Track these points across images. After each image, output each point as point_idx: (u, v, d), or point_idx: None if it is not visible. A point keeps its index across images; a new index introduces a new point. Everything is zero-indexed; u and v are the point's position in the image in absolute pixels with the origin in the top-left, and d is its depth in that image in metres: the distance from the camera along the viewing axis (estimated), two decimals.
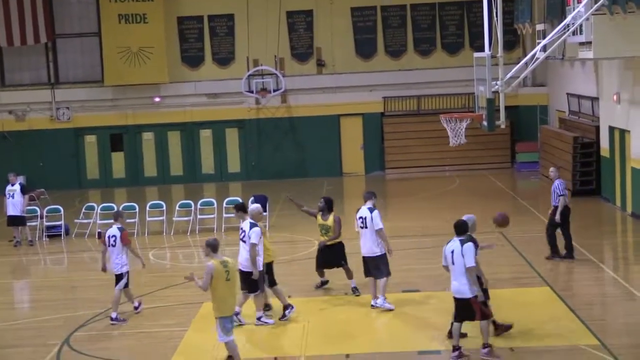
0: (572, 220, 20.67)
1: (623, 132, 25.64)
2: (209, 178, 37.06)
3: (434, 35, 36.96)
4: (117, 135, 37.63)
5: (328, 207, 18.11)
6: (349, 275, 18.00)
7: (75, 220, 26.48)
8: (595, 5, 20.33)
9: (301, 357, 14.25)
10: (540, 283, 18.14)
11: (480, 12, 21.37)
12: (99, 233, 25.70)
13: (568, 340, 14.60)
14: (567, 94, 32.03)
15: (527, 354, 13.97)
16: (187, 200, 27.31)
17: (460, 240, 14.08)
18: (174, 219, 26.15)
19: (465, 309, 13.98)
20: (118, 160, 37.76)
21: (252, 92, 35.80)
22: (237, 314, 15.33)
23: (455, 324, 14.08)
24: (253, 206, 16.69)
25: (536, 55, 21.05)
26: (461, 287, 13.92)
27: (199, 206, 26.33)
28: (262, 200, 26.09)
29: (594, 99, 28.61)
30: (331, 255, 18.12)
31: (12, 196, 25.15)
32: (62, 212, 26.68)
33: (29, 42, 36.40)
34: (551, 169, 21.88)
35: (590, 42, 21.91)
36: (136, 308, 17.35)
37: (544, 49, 20.86)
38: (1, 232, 26.41)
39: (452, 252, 14.08)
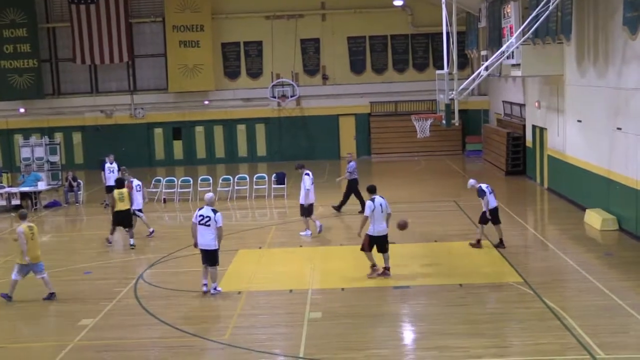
0: (505, 193, 20.73)
1: (542, 130, 25.67)
2: (243, 160, 37.09)
3: (407, 57, 36.86)
4: (177, 128, 37.61)
5: None
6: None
7: (147, 189, 26.52)
8: (523, 38, 20.38)
9: (309, 290, 14.36)
10: (482, 238, 18.20)
11: (441, 41, 21.35)
12: (164, 199, 25.86)
13: (500, 278, 14.74)
14: (503, 101, 32.02)
15: (472, 289, 14.09)
16: (227, 175, 27.40)
17: (381, 197, 15.13)
18: (218, 189, 26.26)
19: (386, 242, 15.15)
20: (177, 146, 37.76)
21: (275, 97, 35.81)
22: (204, 284, 14.44)
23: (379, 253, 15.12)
24: (208, 195, 15.01)
25: (480, 73, 21.09)
26: (385, 228, 15.05)
27: (236, 180, 26.44)
28: (281, 175, 26.28)
29: (522, 105, 28.62)
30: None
31: (113, 171, 25.13)
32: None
33: (115, 60, 36.38)
34: (347, 153, 23.20)
35: (519, 64, 21.98)
36: None
37: (487, 68, 20.90)
38: (95, 198, 26.53)
39: (381, 205, 14.98)
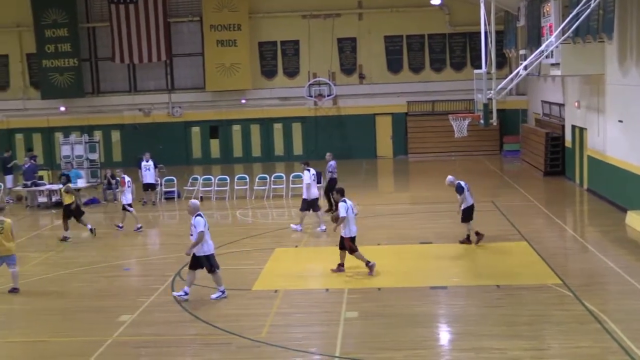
0: (543, 194, 20.55)
1: (582, 130, 25.32)
2: (280, 158, 37.17)
3: (445, 56, 36.64)
4: (214, 126, 37.82)
5: None
6: None
7: (184, 187, 26.78)
8: (563, 37, 20.11)
9: (345, 290, 14.33)
10: (520, 239, 18.06)
11: (479, 41, 21.18)
12: (201, 197, 26.04)
13: (539, 280, 14.57)
14: (542, 101, 31.67)
15: (509, 290, 13.94)
16: (264, 174, 27.46)
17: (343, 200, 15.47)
18: (255, 187, 26.37)
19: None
20: (215, 145, 37.98)
21: (311, 96, 35.83)
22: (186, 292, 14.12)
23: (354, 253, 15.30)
24: (190, 202, 14.60)
25: (519, 73, 20.88)
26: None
27: (272, 178, 26.51)
28: (318, 174, 26.21)
29: (561, 105, 28.27)
30: None
31: (148, 169, 25.45)
32: (175, 181, 27.00)
33: (154, 59, 36.72)
34: (327, 153, 23.31)
35: (558, 63, 21.70)
36: None
37: (525, 68, 20.67)
38: (135, 195, 26.73)
39: (351, 206, 15.42)
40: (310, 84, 35.91)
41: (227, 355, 11.25)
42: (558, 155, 28.12)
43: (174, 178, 27.07)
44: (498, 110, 21.09)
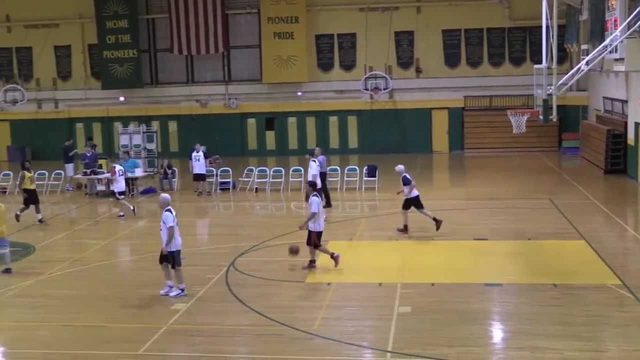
0: (603, 192, 20.12)
1: None
2: (335, 151, 37.18)
3: (504, 51, 36.14)
4: (270, 119, 38.04)
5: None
6: None
7: (240, 178, 27.00)
8: (629, 31, 19.61)
9: (398, 284, 14.27)
10: (578, 237, 17.71)
11: (540, 35, 20.82)
12: (256, 189, 26.22)
13: (597, 280, 14.27)
14: (603, 97, 30.98)
15: (566, 289, 13.67)
16: None
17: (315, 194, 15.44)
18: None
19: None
20: (270, 137, 38.20)
21: (367, 90, 35.76)
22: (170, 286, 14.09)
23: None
24: (160, 196, 14.35)
25: (581, 68, 20.45)
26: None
27: (327, 171, 26.49)
28: (373, 168, 26.20)
29: (624, 101, 27.61)
30: None
31: (198, 160, 25.80)
32: (231, 172, 27.24)
33: (211, 51, 37.10)
34: (317, 148, 23.29)
35: (623, 59, 21.16)
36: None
37: (587, 63, 20.23)
38: (189, 185, 27.13)
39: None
40: (366, 77, 35.83)
41: (279, 346, 11.31)
42: (619, 153, 27.49)
43: (229, 169, 27.32)
44: (558, 106, 20.66)
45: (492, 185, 26.10)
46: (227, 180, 26.90)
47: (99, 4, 37.48)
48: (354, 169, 26.63)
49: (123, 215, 22.15)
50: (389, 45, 36.45)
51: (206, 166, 26.10)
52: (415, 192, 18.59)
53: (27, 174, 21.62)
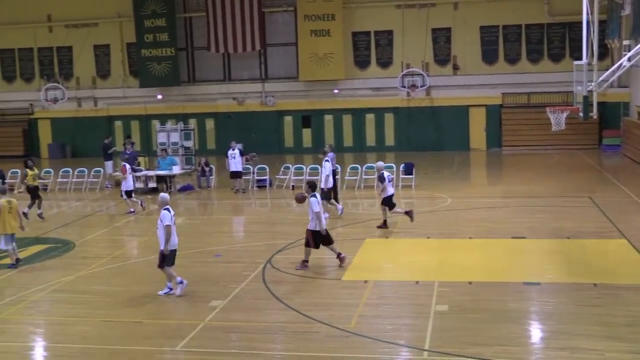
0: None
1: None
2: (371, 149, 37.14)
3: (542, 47, 35.73)
4: (307, 116, 38.10)
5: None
6: None
7: (276, 176, 27.07)
8: None
9: (435, 282, 14.18)
10: (619, 236, 17.41)
11: (580, 31, 20.51)
12: (293, 186, 26.26)
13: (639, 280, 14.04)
14: None
15: (608, 289, 13.43)
16: (355, 164, 27.48)
17: (313, 195, 15.39)
18: (346, 177, 26.39)
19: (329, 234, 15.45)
20: (307, 134, 38.27)
21: (404, 87, 35.60)
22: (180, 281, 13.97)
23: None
24: (160, 195, 14.27)
25: (622, 64, 20.12)
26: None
27: (363, 169, 26.47)
28: (409, 166, 26.08)
29: None
30: None
31: (234, 157, 25.92)
32: (267, 169, 27.31)
33: (248, 49, 37.26)
34: (327, 145, 23.65)
35: None
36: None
37: (629, 59, 19.90)
38: (226, 183, 27.26)
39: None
40: (403, 75, 35.67)
41: (316, 343, 11.30)
42: None
43: (266, 166, 27.39)
44: (598, 103, 20.38)
45: (530, 183, 25.80)
46: (264, 177, 26.97)
47: (137, 4, 37.87)
48: (391, 167, 26.48)
49: (134, 212, 22.49)
50: (426, 42, 36.25)
51: (242, 164, 26.20)
52: (390, 190, 18.98)
53: (30, 172, 22.32)
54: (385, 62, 37.04)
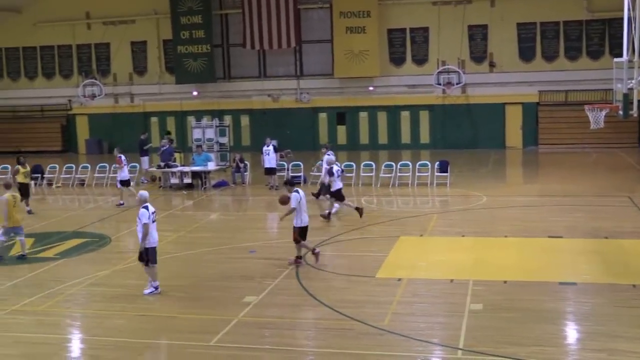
0: None
1: None
2: (406, 146, 37.00)
3: (581, 44, 35.25)
4: (341, 113, 38.07)
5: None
6: None
7: (310, 173, 27.05)
8: None
9: (470, 281, 14.07)
10: None
11: (620, 27, 20.18)
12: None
13: None
14: None
15: None
16: (390, 162, 27.38)
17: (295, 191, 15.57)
18: (380, 175, 26.32)
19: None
20: (341, 131, 38.24)
21: (440, 84, 35.33)
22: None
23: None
24: (139, 192, 14.14)
25: None
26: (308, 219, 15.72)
27: (398, 166, 26.37)
28: (444, 163, 25.90)
29: None
30: None
31: (268, 154, 25.98)
32: (302, 166, 27.34)
33: (283, 46, 37.33)
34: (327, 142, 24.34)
35: None
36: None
37: None
38: (261, 179, 27.34)
39: (302, 197, 15.54)
40: (439, 72, 35.41)
41: (349, 341, 11.28)
42: None
43: (300, 163, 27.41)
44: (638, 101, 20.05)
45: (567, 182, 25.49)
46: (298, 174, 26.99)
47: (174, 1, 38.15)
48: (426, 164, 26.41)
49: (123, 204, 22.84)
50: (462, 39, 35.99)
51: (277, 160, 26.24)
52: (338, 184, 20.04)
53: (22, 169, 22.43)
54: (420, 59, 36.85)
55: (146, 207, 13.66)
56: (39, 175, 28.75)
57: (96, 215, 21.96)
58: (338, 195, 20.14)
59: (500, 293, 13.33)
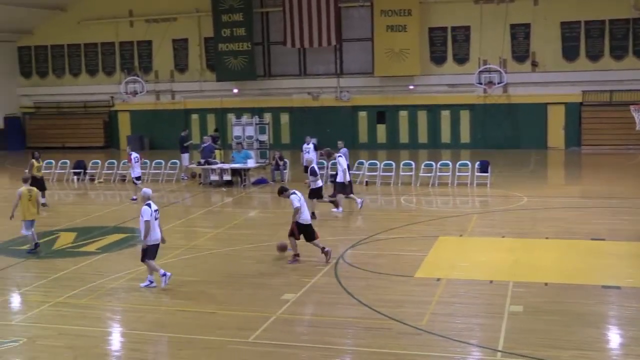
0: None
1: None
2: (446, 146, 36.78)
3: (627, 43, 34.64)
4: (381, 112, 37.98)
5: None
6: None
7: (350, 171, 26.94)
8: None
9: (510, 283, 13.93)
10: None
11: None
12: (366, 182, 26.21)
13: None
14: None
15: None
16: (430, 161, 27.23)
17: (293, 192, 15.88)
18: (420, 174, 26.20)
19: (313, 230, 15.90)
20: (381, 130, 38.14)
21: (481, 84, 35.02)
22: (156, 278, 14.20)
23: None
24: (142, 190, 14.53)
25: None
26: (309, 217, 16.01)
27: (438, 166, 26.21)
28: (485, 164, 25.68)
29: None
30: None
31: (308, 152, 26.03)
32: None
33: (324, 44, 37.32)
34: (339, 141, 25.03)
35: None
36: None
37: None
38: (300, 177, 27.39)
39: (302, 197, 15.87)
40: (480, 71, 35.11)
41: (387, 340, 11.26)
42: None
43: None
44: None
45: (611, 184, 25.10)
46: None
47: None
48: (466, 164, 26.22)
49: (136, 199, 23.09)
50: (504, 38, 35.64)
51: (317, 159, 26.26)
52: (319, 183, 20.72)
53: (36, 163, 23.12)
54: (461, 58, 36.58)
55: (149, 205, 13.93)
56: (82, 170, 29.21)
57: (136, 211, 22.16)
58: (318, 195, 20.64)
59: (541, 295, 13.19)
